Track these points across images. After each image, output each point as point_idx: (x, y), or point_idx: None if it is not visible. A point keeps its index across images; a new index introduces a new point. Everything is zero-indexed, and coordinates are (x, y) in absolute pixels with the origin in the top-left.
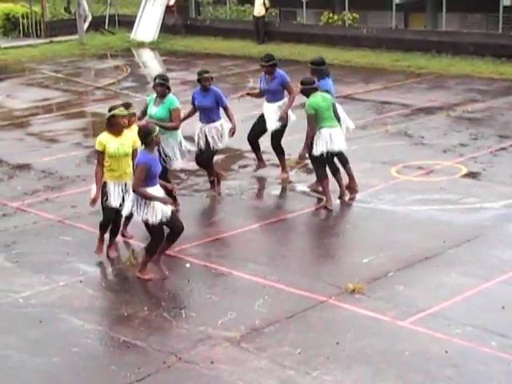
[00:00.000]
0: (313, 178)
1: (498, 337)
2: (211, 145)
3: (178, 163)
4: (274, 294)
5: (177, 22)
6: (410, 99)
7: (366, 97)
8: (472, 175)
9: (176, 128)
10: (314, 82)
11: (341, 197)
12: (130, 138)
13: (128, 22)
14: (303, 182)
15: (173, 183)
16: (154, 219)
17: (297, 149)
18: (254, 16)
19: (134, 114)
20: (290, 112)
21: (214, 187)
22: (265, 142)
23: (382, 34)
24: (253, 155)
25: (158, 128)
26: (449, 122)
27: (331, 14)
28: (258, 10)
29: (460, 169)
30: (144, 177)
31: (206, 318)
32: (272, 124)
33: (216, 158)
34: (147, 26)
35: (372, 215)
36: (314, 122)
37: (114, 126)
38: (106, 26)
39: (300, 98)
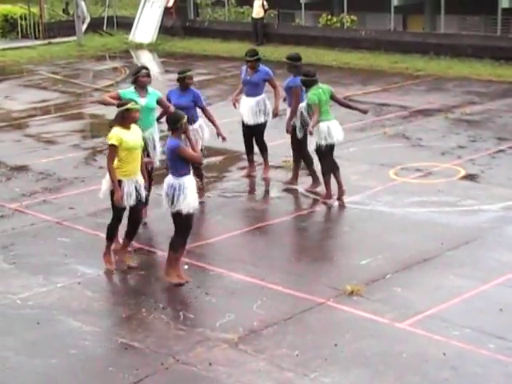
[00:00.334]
0: (308, 180)
1: (495, 339)
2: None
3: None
4: (272, 296)
5: (175, 24)
6: (408, 101)
7: (365, 99)
8: (470, 177)
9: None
10: (316, 75)
11: (339, 198)
12: (138, 130)
13: (126, 24)
14: (301, 183)
15: None
16: (187, 210)
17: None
18: (252, 18)
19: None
20: (269, 107)
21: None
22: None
23: (381, 36)
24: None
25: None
26: (447, 124)
27: (330, 16)
28: (257, 11)
29: (458, 171)
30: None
31: (204, 319)
32: (250, 118)
33: (214, 159)
34: (146, 28)
35: (370, 217)
36: (319, 110)
37: (128, 119)
38: (105, 28)
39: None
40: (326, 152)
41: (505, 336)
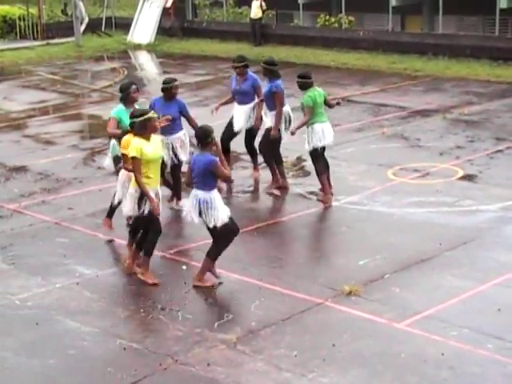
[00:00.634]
0: (303, 181)
1: (494, 339)
2: (178, 157)
3: None
4: (270, 296)
5: (173, 25)
6: (406, 102)
7: (363, 99)
8: (468, 178)
9: None
10: (312, 77)
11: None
12: (159, 141)
13: (125, 24)
14: (299, 184)
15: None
16: (221, 221)
17: (292, 151)
18: (250, 18)
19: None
20: (263, 115)
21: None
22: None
23: (379, 36)
24: (248, 157)
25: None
26: (445, 125)
27: (328, 17)
28: (255, 12)
29: (456, 171)
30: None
31: (203, 320)
32: (239, 125)
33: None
34: (144, 29)
35: (368, 217)
36: (313, 113)
37: (149, 129)
38: (103, 28)
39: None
40: (319, 153)
41: (503, 336)
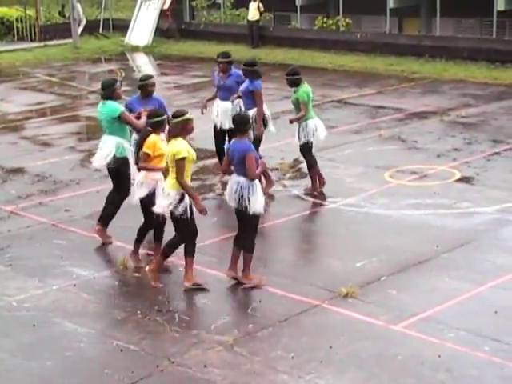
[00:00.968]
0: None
1: (491, 341)
2: None
3: None
4: (267, 298)
5: (171, 26)
6: (403, 104)
7: (360, 101)
8: (465, 180)
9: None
10: (300, 73)
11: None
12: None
13: (122, 26)
14: (296, 186)
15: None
16: (259, 210)
17: (289, 153)
18: (248, 20)
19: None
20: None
21: None
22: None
23: (376, 38)
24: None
25: None
26: (442, 127)
27: (325, 19)
28: (253, 14)
29: (453, 173)
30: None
31: (200, 321)
32: (225, 123)
33: (209, 161)
34: (141, 30)
35: (365, 219)
36: (307, 108)
37: (187, 130)
38: (101, 30)
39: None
40: (310, 148)
41: (500, 338)
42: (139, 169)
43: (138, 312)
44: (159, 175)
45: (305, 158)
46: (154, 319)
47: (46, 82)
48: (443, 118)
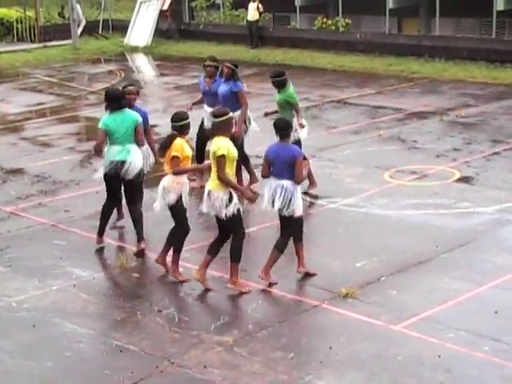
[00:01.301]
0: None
1: (490, 341)
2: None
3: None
4: (267, 299)
5: (170, 27)
6: (403, 104)
7: (360, 101)
8: (465, 180)
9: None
10: (285, 74)
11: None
12: None
13: (122, 27)
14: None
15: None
16: (298, 213)
17: None
18: (247, 21)
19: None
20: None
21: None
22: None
23: (376, 38)
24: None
25: None
26: (442, 127)
27: (325, 19)
28: (252, 14)
29: (453, 173)
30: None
31: (199, 322)
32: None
33: (206, 162)
34: (141, 31)
35: (365, 220)
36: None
37: (230, 128)
38: (100, 31)
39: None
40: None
41: (500, 338)
42: (174, 173)
43: (138, 312)
44: (185, 179)
45: None
46: (154, 320)
47: (45, 82)
48: (443, 118)
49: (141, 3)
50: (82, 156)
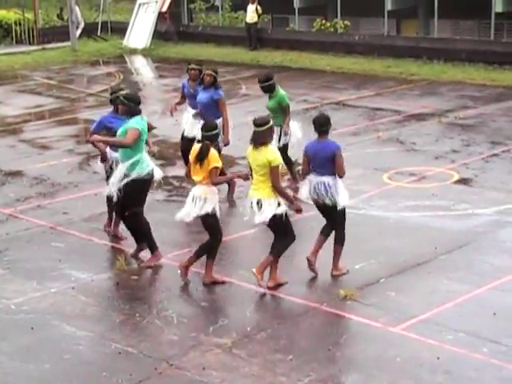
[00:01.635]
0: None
1: (489, 343)
2: None
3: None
4: (265, 301)
5: (169, 29)
6: (402, 106)
7: (358, 103)
8: (464, 181)
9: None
10: (274, 77)
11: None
12: None
13: (120, 29)
14: (291, 188)
15: (165, 189)
16: (343, 204)
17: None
18: (246, 22)
19: None
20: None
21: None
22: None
23: (374, 40)
24: (244, 161)
25: None
26: (441, 129)
27: (324, 21)
28: (251, 16)
29: (452, 175)
30: None
31: (198, 324)
32: (192, 131)
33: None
34: (140, 33)
35: (364, 221)
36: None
37: (272, 136)
38: (99, 33)
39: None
40: (287, 148)
41: (499, 340)
42: (214, 183)
43: (137, 315)
44: (216, 188)
45: (285, 157)
46: (153, 322)
47: (44, 84)
48: (441, 120)
49: (140, 5)
50: (81, 158)
